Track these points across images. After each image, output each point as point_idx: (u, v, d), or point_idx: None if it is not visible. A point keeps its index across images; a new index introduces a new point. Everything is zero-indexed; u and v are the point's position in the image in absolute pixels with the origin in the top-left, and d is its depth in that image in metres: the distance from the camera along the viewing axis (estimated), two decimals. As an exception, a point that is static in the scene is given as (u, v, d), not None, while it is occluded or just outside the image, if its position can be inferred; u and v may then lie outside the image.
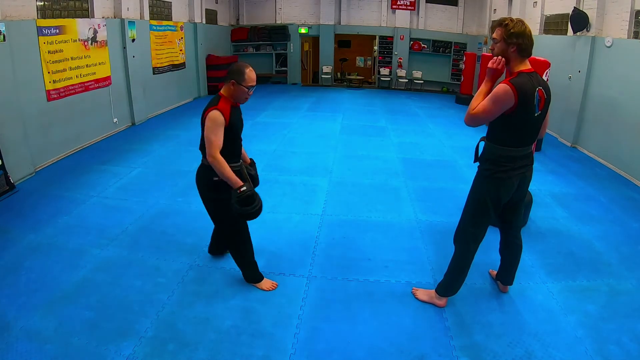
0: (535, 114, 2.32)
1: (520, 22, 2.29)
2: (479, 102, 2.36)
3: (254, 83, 2.62)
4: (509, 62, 2.34)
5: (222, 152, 2.51)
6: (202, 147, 2.62)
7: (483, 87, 2.41)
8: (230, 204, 2.54)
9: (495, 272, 3.09)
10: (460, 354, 2.42)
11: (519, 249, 2.80)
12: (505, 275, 2.92)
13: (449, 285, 2.76)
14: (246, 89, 2.59)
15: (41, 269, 3.13)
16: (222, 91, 2.63)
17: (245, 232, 2.88)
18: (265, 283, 2.99)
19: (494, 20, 2.36)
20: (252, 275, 2.99)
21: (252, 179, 2.85)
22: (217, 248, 3.35)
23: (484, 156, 2.50)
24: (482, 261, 3.34)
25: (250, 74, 2.59)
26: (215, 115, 2.50)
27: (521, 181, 2.51)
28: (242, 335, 2.53)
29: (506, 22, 2.30)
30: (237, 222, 2.77)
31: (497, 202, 2.51)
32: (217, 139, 2.49)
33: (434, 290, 2.85)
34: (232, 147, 2.65)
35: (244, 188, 2.51)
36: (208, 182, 2.66)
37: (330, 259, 3.39)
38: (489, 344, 2.49)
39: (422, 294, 2.90)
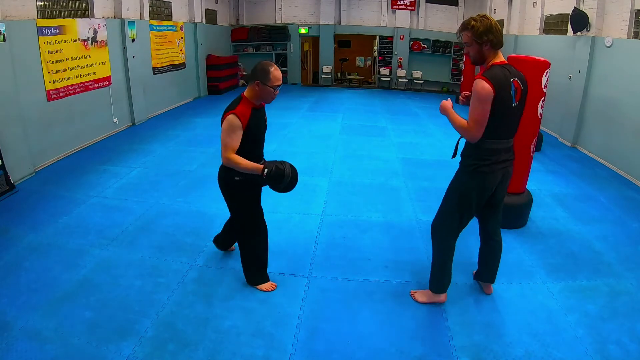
0: (513, 105, 2.35)
1: (485, 17, 2.33)
2: (461, 120, 2.39)
3: (280, 82, 2.57)
4: (485, 59, 2.39)
5: (242, 155, 2.53)
6: None
7: (455, 115, 2.47)
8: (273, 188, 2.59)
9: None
10: (460, 354, 2.42)
11: (499, 246, 2.80)
12: (485, 272, 2.90)
13: (439, 280, 2.77)
14: (272, 89, 2.54)
15: (41, 269, 3.14)
16: (245, 92, 2.60)
17: (258, 231, 2.87)
18: (267, 285, 2.98)
19: (461, 25, 2.44)
20: (256, 276, 2.96)
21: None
22: (222, 242, 3.34)
23: (466, 152, 2.51)
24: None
25: (276, 72, 2.54)
26: (231, 119, 2.50)
27: (504, 176, 2.53)
28: (242, 335, 2.53)
29: (472, 23, 2.34)
30: (252, 222, 2.81)
31: (481, 197, 2.53)
32: (232, 141, 2.50)
33: (429, 290, 2.85)
34: (252, 150, 2.64)
35: (266, 170, 2.51)
36: (228, 181, 2.67)
37: (330, 259, 3.39)
38: (489, 344, 2.49)
39: (420, 295, 2.89)
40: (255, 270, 2.97)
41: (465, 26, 2.37)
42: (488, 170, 2.44)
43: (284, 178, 2.53)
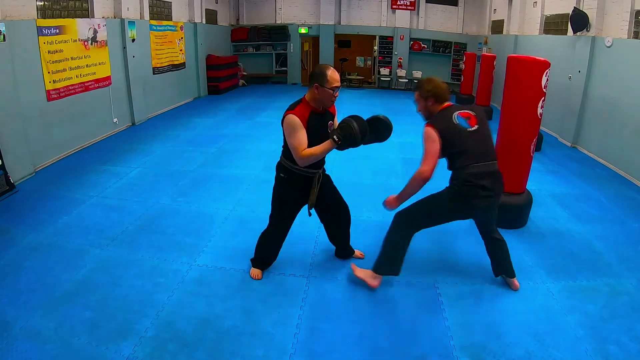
0: (469, 129, 2.61)
1: (431, 79, 2.77)
2: (408, 183, 2.63)
3: (338, 84, 2.56)
4: (432, 113, 2.72)
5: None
6: (284, 146, 2.70)
7: (403, 190, 2.69)
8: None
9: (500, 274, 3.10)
10: (460, 354, 2.42)
11: (502, 242, 2.91)
12: (502, 268, 2.99)
13: (390, 265, 2.88)
14: (331, 91, 2.53)
15: (41, 269, 3.14)
16: (305, 96, 2.61)
17: (277, 230, 2.94)
18: (254, 271, 3.07)
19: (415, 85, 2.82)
20: (258, 258, 3.07)
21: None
22: (341, 252, 3.37)
23: (451, 175, 2.73)
24: (482, 261, 3.34)
25: (333, 74, 2.53)
26: (290, 119, 2.52)
27: (487, 207, 2.69)
28: (242, 335, 2.53)
29: (420, 84, 2.77)
30: (278, 216, 2.90)
31: (457, 216, 2.78)
32: (298, 142, 2.52)
33: (370, 270, 2.95)
34: None
35: (339, 142, 2.51)
36: (276, 176, 2.83)
37: (330, 259, 3.39)
38: (489, 344, 2.49)
39: (359, 271, 3.02)
40: (260, 256, 3.06)
41: (416, 87, 2.81)
42: (471, 193, 2.59)
43: (354, 137, 2.52)
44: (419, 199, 2.78)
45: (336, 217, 3.11)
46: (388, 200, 2.75)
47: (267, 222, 2.99)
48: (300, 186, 2.78)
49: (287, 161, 2.71)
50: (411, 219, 2.79)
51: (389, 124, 2.73)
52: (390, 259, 2.87)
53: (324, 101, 2.59)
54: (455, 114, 2.64)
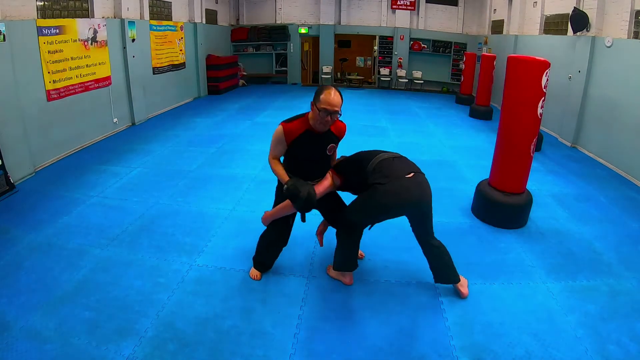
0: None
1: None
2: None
3: (329, 107, 2.35)
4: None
5: (286, 170, 2.63)
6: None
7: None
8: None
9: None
10: (460, 354, 2.42)
11: (438, 249, 2.83)
12: (437, 275, 2.91)
13: (347, 261, 2.93)
14: (318, 111, 2.38)
15: (41, 269, 3.14)
16: (309, 112, 2.56)
17: (276, 232, 2.92)
18: (253, 271, 3.07)
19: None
20: (257, 260, 3.07)
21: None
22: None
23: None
24: (482, 261, 3.34)
25: (327, 96, 2.34)
26: (277, 130, 2.57)
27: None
28: (242, 335, 2.53)
29: None
30: (277, 221, 2.87)
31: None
32: (273, 149, 2.61)
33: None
34: (294, 169, 2.67)
35: (285, 186, 2.53)
36: (278, 181, 2.81)
37: (330, 259, 3.38)
38: (489, 344, 2.49)
39: (333, 272, 3.10)
40: (259, 256, 3.06)
41: None
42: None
43: (297, 199, 2.47)
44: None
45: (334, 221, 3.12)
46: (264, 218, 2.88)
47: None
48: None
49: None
50: (359, 221, 2.79)
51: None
52: (352, 256, 2.94)
53: (316, 122, 2.45)
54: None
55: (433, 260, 2.87)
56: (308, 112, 2.56)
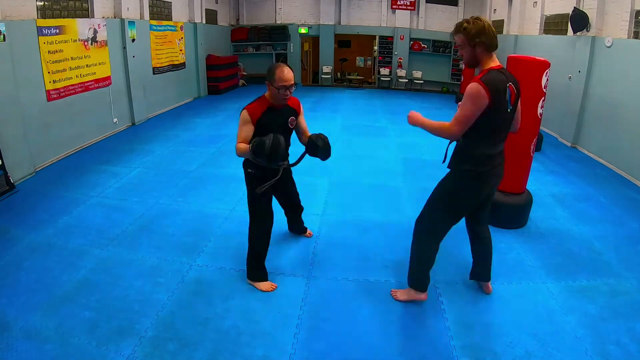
0: (508, 110, 2.32)
1: (477, 20, 2.28)
2: (437, 122, 2.40)
3: (286, 83, 2.55)
4: (479, 62, 2.33)
5: None
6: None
7: (427, 120, 2.49)
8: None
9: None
10: (460, 354, 2.42)
11: (489, 241, 2.83)
12: (481, 271, 2.91)
13: (421, 278, 2.78)
14: (276, 90, 2.57)
15: (41, 269, 3.14)
16: (266, 92, 2.69)
17: (258, 218, 2.89)
18: (265, 284, 2.98)
19: (455, 27, 2.40)
20: (251, 271, 2.99)
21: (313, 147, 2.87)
22: (293, 226, 3.67)
23: (462, 157, 2.48)
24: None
25: (281, 74, 2.53)
26: (242, 114, 2.65)
27: (496, 180, 2.54)
28: (242, 335, 2.53)
29: (464, 25, 2.29)
30: (253, 208, 2.88)
31: (475, 202, 2.56)
32: (240, 133, 2.63)
33: (409, 288, 2.86)
34: None
35: (251, 144, 2.49)
36: (244, 171, 2.90)
37: (330, 259, 3.39)
38: (489, 344, 2.49)
39: (401, 294, 2.89)
40: (251, 261, 2.97)
41: (457, 29, 2.33)
42: (485, 176, 2.45)
43: (263, 148, 2.43)
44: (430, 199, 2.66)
45: (295, 207, 3.45)
46: (412, 114, 2.58)
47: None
48: (263, 174, 2.76)
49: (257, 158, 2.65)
50: (432, 224, 2.63)
51: (325, 148, 2.84)
52: (422, 273, 2.76)
53: (275, 99, 2.64)
54: (508, 84, 2.27)
55: (482, 252, 2.83)
56: (264, 93, 2.71)
